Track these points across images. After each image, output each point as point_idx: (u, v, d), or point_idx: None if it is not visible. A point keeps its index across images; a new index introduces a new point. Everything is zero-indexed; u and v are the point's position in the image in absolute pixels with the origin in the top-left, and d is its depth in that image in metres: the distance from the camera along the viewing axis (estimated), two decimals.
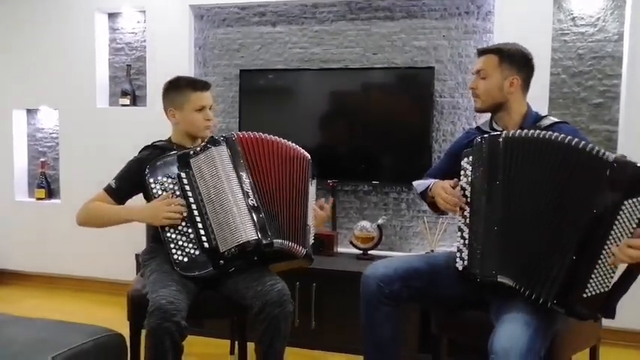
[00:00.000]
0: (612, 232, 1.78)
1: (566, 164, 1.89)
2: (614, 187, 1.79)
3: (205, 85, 2.57)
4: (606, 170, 1.81)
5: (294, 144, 2.52)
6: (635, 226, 1.77)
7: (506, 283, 1.97)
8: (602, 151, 1.85)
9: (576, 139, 1.89)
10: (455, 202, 2.12)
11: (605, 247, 1.79)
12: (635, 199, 1.76)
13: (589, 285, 1.81)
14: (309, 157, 2.52)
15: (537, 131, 1.97)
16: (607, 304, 1.83)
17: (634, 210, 1.76)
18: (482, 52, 2.30)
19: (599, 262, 1.80)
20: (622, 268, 1.86)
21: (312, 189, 2.51)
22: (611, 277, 1.80)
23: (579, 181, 1.87)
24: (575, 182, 1.87)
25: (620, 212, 1.77)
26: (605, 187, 1.80)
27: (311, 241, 2.46)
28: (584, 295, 1.81)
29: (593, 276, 1.81)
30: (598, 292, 1.81)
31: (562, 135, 1.92)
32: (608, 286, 1.80)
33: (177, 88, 2.55)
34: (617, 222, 1.78)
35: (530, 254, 1.93)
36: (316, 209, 2.52)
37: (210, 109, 2.56)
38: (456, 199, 2.12)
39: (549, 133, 1.95)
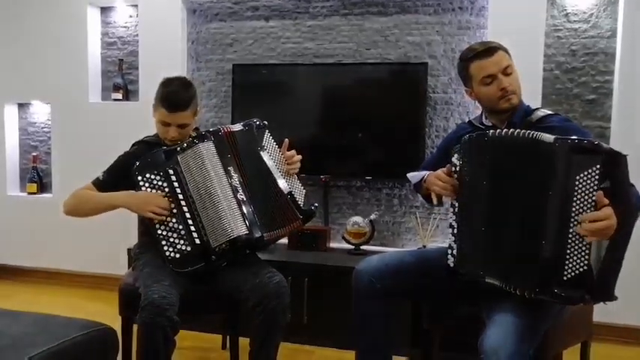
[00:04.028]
0: (573, 210, 1.78)
1: (527, 158, 1.91)
2: (562, 166, 1.80)
3: (176, 106, 2.39)
4: (551, 152, 1.83)
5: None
6: (594, 197, 1.76)
7: (493, 284, 1.98)
8: (539, 134, 1.88)
9: (536, 133, 1.90)
10: (451, 188, 2.12)
11: (571, 224, 1.79)
12: (585, 172, 1.76)
13: (566, 266, 1.79)
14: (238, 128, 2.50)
15: (519, 130, 1.96)
16: (599, 285, 1.80)
17: (587, 183, 1.76)
18: (493, 50, 2.16)
19: (569, 241, 1.79)
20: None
21: (266, 154, 2.47)
22: (587, 255, 1.78)
23: (536, 170, 1.88)
24: (534, 172, 1.89)
25: (576, 188, 1.77)
26: (555, 168, 1.81)
27: (302, 194, 2.46)
28: (565, 278, 1.79)
29: (567, 257, 1.79)
30: (578, 271, 1.79)
31: (533, 132, 1.93)
32: (586, 264, 1.78)
33: (157, 95, 2.45)
34: (575, 198, 1.77)
35: (514, 252, 1.94)
36: (288, 158, 2.50)
37: (181, 127, 2.43)
38: (449, 186, 2.12)
39: (527, 131, 1.94)
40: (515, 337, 1.81)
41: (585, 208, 1.77)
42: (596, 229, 1.74)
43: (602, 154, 1.76)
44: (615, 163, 1.76)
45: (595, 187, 1.75)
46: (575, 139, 1.82)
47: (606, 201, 1.75)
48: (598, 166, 1.75)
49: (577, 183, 1.77)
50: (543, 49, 3.34)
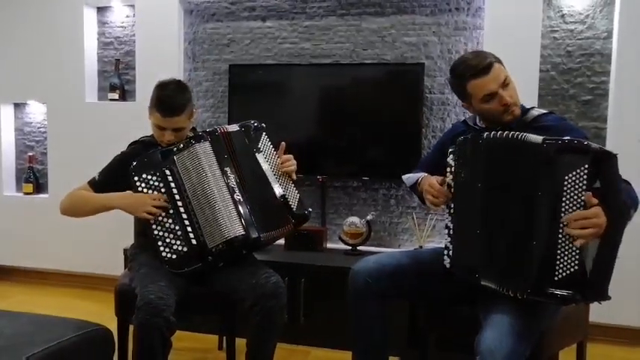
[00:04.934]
0: (563, 210, 1.78)
1: (518, 159, 1.92)
2: (550, 166, 1.81)
3: (171, 111, 2.39)
4: (540, 152, 1.84)
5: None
6: (583, 197, 1.76)
7: (489, 286, 1.98)
8: (527, 135, 1.89)
9: (524, 135, 1.91)
10: (441, 202, 2.14)
11: (561, 224, 1.79)
12: (573, 172, 1.76)
13: (557, 267, 1.80)
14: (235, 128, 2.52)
15: (512, 132, 1.96)
16: (591, 284, 1.80)
17: (576, 183, 1.76)
18: (489, 67, 2.09)
19: (560, 241, 1.79)
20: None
21: (261, 156, 2.48)
22: (578, 254, 1.77)
23: (526, 171, 1.89)
24: (524, 173, 1.90)
25: (564, 188, 1.77)
26: (544, 168, 1.82)
27: (295, 199, 2.47)
28: (556, 278, 1.80)
29: (558, 257, 1.79)
30: (569, 271, 1.79)
31: (522, 133, 1.93)
32: (577, 264, 1.78)
33: (151, 99, 2.44)
34: (564, 198, 1.78)
35: (507, 254, 1.94)
36: (284, 161, 2.50)
37: (177, 130, 2.42)
38: (442, 197, 2.13)
39: (517, 133, 1.94)
40: (512, 337, 1.81)
41: (575, 208, 1.77)
42: (584, 228, 1.74)
43: (591, 153, 1.76)
44: (604, 162, 1.76)
45: (584, 187, 1.75)
46: (565, 140, 1.82)
47: (595, 201, 1.75)
48: (586, 166, 1.75)
49: (566, 183, 1.78)
50: (539, 50, 3.35)
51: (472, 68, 2.12)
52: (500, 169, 1.97)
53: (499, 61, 2.14)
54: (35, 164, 4.37)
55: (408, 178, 2.42)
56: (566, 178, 1.77)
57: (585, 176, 1.75)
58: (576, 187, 1.76)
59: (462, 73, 2.15)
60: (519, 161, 1.91)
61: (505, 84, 2.11)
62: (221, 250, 2.29)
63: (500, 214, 1.96)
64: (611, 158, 1.77)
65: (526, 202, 1.87)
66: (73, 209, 2.48)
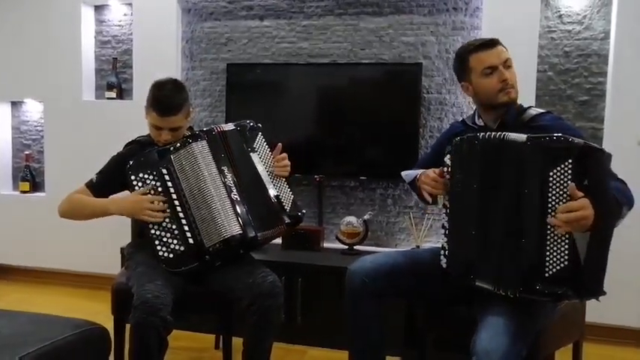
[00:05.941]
0: (549, 205, 1.78)
1: (506, 159, 1.93)
2: (534, 164, 1.82)
3: (168, 110, 2.38)
4: (524, 150, 1.85)
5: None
6: (568, 192, 1.76)
7: (484, 287, 1.99)
8: (507, 134, 1.91)
9: (503, 134, 1.93)
10: (439, 187, 2.14)
11: (548, 220, 1.79)
12: (557, 168, 1.76)
13: (547, 263, 1.79)
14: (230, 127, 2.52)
15: (504, 133, 1.96)
16: (583, 281, 1.79)
17: (561, 178, 1.76)
18: (494, 43, 2.18)
19: (548, 237, 1.79)
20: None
21: (256, 156, 2.48)
22: (567, 250, 1.77)
23: (513, 170, 1.90)
24: (511, 172, 1.91)
25: (550, 184, 1.78)
26: (529, 166, 1.84)
27: (289, 200, 2.47)
28: (546, 275, 1.79)
29: (547, 253, 1.79)
30: (559, 267, 1.78)
31: (503, 132, 1.95)
32: (566, 260, 1.77)
33: (148, 98, 2.44)
34: (550, 194, 1.78)
35: (500, 254, 1.94)
36: (278, 160, 2.51)
37: (174, 130, 2.42)
38: (440, 185, 2.14)
39: (501, 133, 1.95)
40: (507, 338, 1.81)
41: (561, 203, 1.77)
42: (569, 220, 1.74)
43: (574, 148, 1.76)
44: (589, 157, 1.76)
45: (568, 183, 1.75)
46: (547, 137, 1.82)
47: (580, 194, 1.74)
48: (570, 161, 1.75)
49: (550, 180, 1.78)
50: (537, 51, 3.35)
51: (476, 42, 2.21)
52: (492, 169, 1.98)
53: (505, 47, 2.20)
54: (32, 163, 4.36)
55: (407, 174, 2.42)
56: (551, 174, 1.77)
57: (570, 172, 1.75)
58: (561, 183, 1.76)
59: (466, 49, 2.23)
60: (505, 161, 1.93)
61: (507, 65, 2.16)
62: (218, 249, 2.29)
63: (493, 215, 1.97)
64: (595, 152, 1.77)
65: (515, 201, 1.88)
66: (72, 213, 2.48)
